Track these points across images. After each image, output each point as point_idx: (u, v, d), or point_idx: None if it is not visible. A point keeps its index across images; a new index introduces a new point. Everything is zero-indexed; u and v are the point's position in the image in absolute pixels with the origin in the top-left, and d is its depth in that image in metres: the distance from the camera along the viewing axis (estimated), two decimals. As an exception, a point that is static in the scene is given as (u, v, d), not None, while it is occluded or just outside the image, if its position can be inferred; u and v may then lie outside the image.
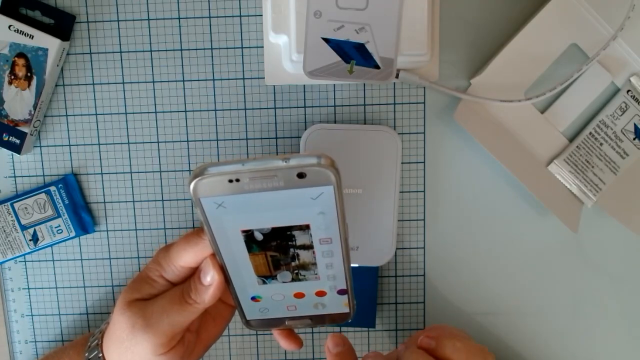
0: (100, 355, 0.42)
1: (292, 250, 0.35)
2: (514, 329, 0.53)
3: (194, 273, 0.39)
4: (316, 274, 0.37)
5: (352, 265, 0.39)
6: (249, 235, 0.34)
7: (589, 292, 0.52)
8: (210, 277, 0.37)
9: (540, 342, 0.53)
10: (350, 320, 0.41)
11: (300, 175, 0.31)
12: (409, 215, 0.52)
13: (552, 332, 0.53)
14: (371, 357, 0.40)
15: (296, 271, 0.37)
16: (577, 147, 0.49)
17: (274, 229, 0.34)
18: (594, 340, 0.53)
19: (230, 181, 0.31)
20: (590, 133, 0.49)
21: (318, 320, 0.40)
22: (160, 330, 0.38)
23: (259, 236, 0.34)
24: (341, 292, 0.38)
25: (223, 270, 0.37)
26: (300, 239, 0.35)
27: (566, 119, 0.50)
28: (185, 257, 0.38)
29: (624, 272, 0.52)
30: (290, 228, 0.34)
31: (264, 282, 0.38)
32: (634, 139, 0.49)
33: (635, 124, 0.49)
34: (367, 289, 0.50)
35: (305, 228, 0.34)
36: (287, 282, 0.37)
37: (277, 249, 0.35)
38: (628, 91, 0.49)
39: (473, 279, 0.52)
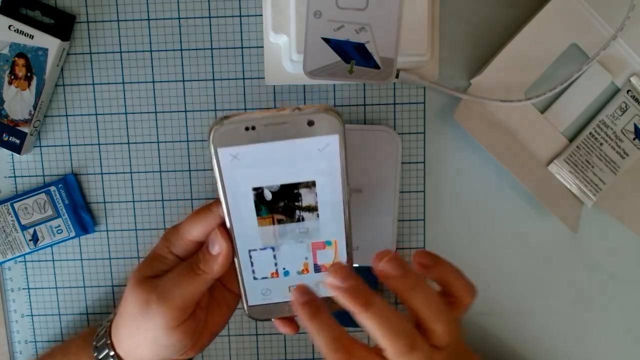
0: (109, 342, 0.43)
1: (297, 212, 0.37)
2: (513, 329, 0.53)
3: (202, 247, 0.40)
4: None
5: (352, 265, 0.39)
6: (258, 195, 0.36)
7: (589, 292, 0.52)
8: (219, 246, 0.38)
9: (540, 342, 0.53)
10: None
11: (310, 123, 0.34)
12: (409, 215, 0.52)
13: (552, 332, 0.53)
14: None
15: (301, 240, 0.38)
16: (577, 147, 0.49)
17: (283, 187, 0.36)
18: (594, 340, 0.53)
19: (247, 129, 0.34)
20: (590, 133, 0.49)
21: None
22: (172, 302, 0.39)
23: (268, 195, 0.36)
24: None
25: (231, 240, 0.38)
26: (306, 198, 0.37)
27: (566, 119, 0.50)
28: (194, 231, 0.39)
29: (624, 272, 0.52)
30: (297, 186, 0.36)
31: None
32: (634, 139, 0.49)
33: (635, 124, 0.49)
34: (367, 289, 0.50)
35: (312, 185, 0.36)
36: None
37: (284, 210, 0.37)
38: (628, 91, 0.49)
39: (473, 279, 0.52)
